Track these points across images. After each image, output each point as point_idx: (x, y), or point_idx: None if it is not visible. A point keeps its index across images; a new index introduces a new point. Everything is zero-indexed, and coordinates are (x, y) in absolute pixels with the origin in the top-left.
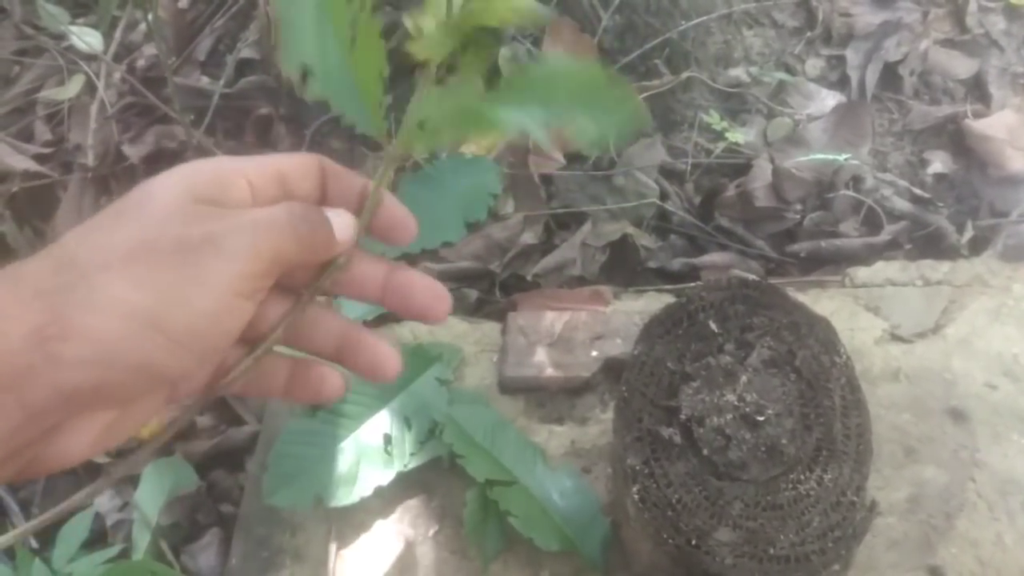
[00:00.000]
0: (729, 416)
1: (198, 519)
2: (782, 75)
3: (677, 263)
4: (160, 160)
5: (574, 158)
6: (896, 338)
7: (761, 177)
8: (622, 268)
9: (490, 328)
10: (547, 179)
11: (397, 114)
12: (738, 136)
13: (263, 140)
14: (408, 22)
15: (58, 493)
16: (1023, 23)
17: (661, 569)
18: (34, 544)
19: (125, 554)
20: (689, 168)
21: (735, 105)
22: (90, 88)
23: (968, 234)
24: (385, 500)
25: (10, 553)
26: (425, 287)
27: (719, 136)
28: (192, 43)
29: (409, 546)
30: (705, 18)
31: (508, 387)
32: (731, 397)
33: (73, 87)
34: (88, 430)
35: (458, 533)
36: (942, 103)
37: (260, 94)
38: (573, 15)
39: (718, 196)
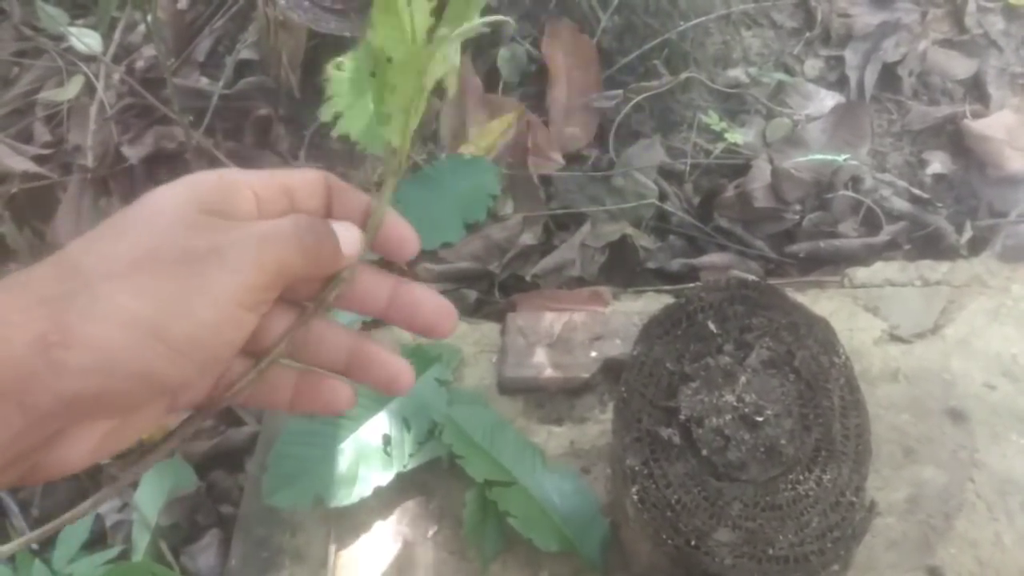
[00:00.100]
0: (728, 417)
1: (198, 520)
2: (781, 76)
3: (676, 264)
4: (159, 161)
5: (573, 159)
6: (895, 338)
7: (760, 178)
8: (621, 269)
9: (489, 329)
10: (546, 180)
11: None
12: (737, 137)
13: (262, 141)
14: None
15: (57, 494)
16: (1022, 23)
17: (660, 569)
18: (34, 545)
19: (125, 555)
20: (688, 169)
21: (734, 106)
22: (89, 89)
23: (967, 234)
24: (384, 501)
25: None
26: (431, 304)
27: (718, 137)
28: (191, 44)
29: (408, 546)
30: (704, 19)
31: (507, 388)
32: (730, 398)
33: (72, 88)
34: (88, 437)
35: (457, 534)
36: (941, 103)
37: (259, 95)
38: (572, 16)
39: (717, 197)
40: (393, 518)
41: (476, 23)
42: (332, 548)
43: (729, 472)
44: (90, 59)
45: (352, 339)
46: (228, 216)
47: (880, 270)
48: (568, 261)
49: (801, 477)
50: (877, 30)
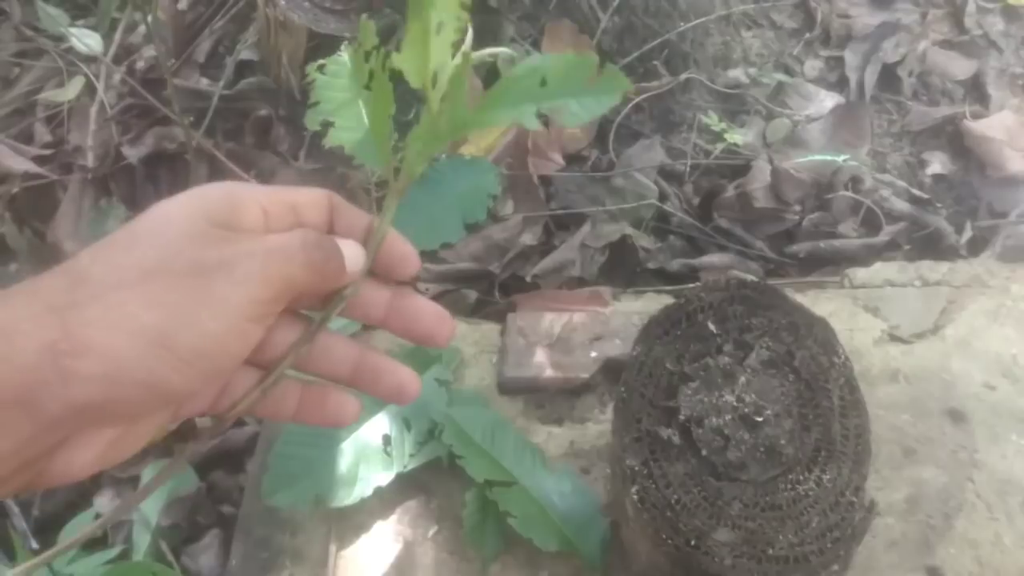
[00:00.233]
0: (728, 417)
1: (198, 520)
2: (781, 76)
3: (676, 264)
4: (159, 161)
5: (573, 159)
6: (895, 339)
7: (760, 178)
8: (621, 269)
9: (489, 329)
10: (546, 180)
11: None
12: (737, 137)
13: (262, 141)
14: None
15: (57, 496)
16: (1021, 24)
17: (660, 569)
18: (34, 544)
19: (125, 555)
20: (688, 169)
21: (734, 106)
22: (90, 90)
23: (967, 235)
24: (384, 501)
25: (10, 553)
26: (430, 313)
27: (718, 137)
28: (191, 45)
29: (408, 547)
30: (704, 19)
31: (507, 388)
32: (730, 398)
33: (73, 89)
34: (93, 445)
35: (457, 534)
36: (941, 104)
37: (259, 96)
38: (572, 16)
39: (717, 197)
40: (393, 518)
41: (485, 52)
42: (332, 548)
43: (729, 472)
44: (91, 60)
45: (357, 350)
46: (236, 229)
47: (880, 270)
48: (568, 261)
49: (801, 477)
50: (877, 31)
